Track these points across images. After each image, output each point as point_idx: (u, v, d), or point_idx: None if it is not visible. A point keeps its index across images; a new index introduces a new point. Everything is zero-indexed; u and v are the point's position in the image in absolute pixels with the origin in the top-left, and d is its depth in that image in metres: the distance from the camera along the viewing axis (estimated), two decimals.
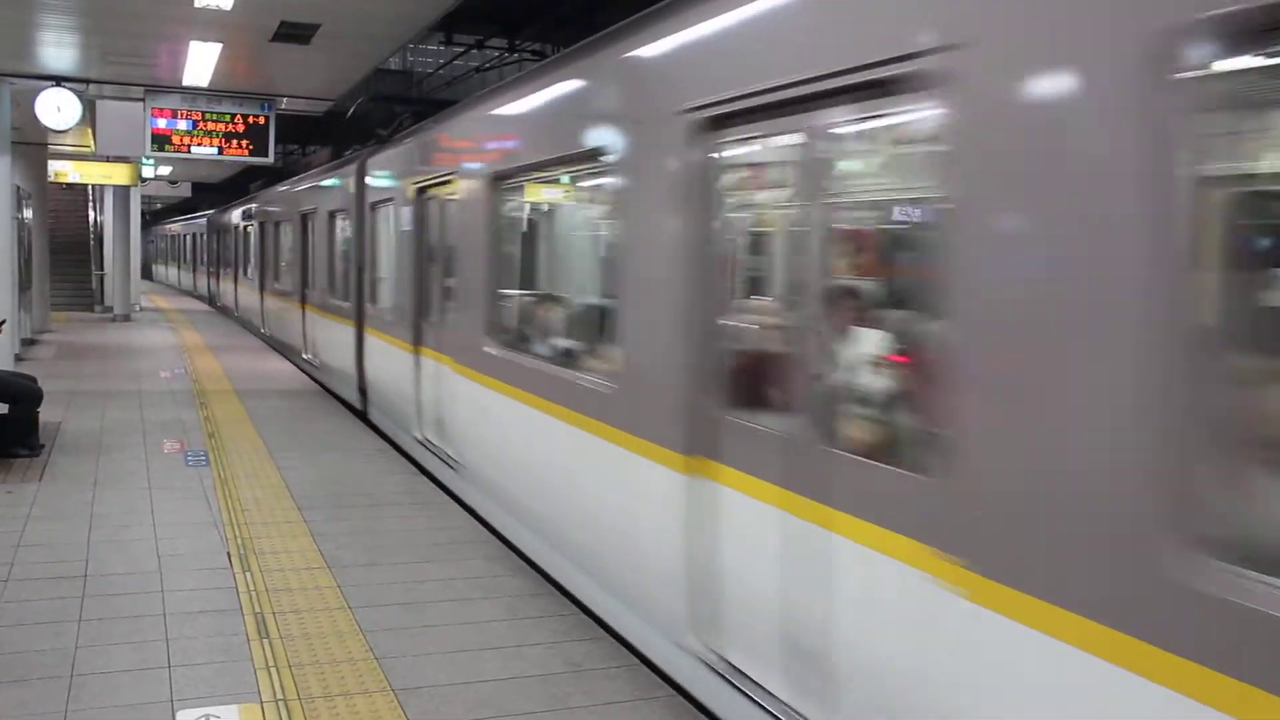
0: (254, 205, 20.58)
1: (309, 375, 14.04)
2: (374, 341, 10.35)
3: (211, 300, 29.22)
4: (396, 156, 9.74)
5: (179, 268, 40.82)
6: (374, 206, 10.59)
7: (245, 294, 21.78)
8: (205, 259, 31.40)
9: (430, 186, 8.34)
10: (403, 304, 9.10)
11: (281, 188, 17.73)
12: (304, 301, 14.48)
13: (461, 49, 13.90)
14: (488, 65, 14.12)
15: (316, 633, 4.94)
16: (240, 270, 22.81)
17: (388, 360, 9.69)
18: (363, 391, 11.00)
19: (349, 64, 11.44)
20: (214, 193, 31.83)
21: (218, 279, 28.03)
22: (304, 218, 14.51)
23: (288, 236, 16.27)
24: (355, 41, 10.24)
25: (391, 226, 9.81)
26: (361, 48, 10.58)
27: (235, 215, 23.59)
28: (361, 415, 11.07)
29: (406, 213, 8.99)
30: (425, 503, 7.50)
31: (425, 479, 8.24)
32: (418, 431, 8.63)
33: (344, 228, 12.32)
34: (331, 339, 12.56)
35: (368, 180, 10.86)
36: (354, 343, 11.18)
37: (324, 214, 13.16)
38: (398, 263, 9.44)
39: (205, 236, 30.94)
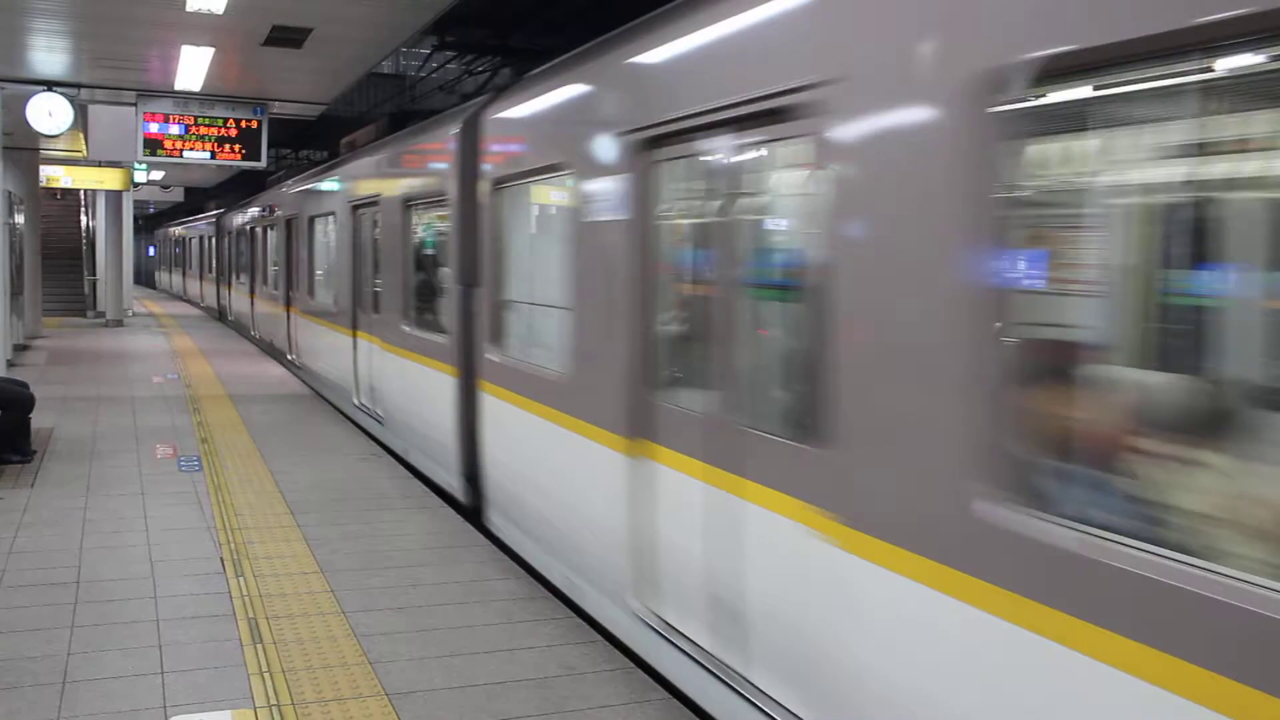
0: (278, 201, 16.91)
1: (365, 431, 10.46)
2: (502, 407, 6.62)
3: (222, 315, 25.55)
4: (572, 95, 5.77)
5: (184, 275, 38.14)
6: (499, 186, 6.86)
7: (266, 309, 17.99)
8: (215, 266, 27.34)
9: (689, 131, 4.37)
10: (595, 356, 5.21)
11: (320, 174, 13.71)
12: (356, 327, 10.87)
13: (454, 52, 13.87)
14: (481, 69, 14.12)
15: (310, 637, 4.93)
16: (260, 280, 19.10)
17: (544, 447, 5.93)
18: (472, 480, 7.37)
19: (341, 68, 11.45)
20: (214, 196, 31.77)
21: (229, 289, 23.93)
22: (355, 211, 10.98)
23: (329, 238, 12.79)
24: (347, 46, 10.25)
25: (539, 221, 6.74)
26: (353, 52, 10.60)
27: (253, 213, 19.79)
28: (472, 515, 7.31)
29: (603, 191, 5.10)
30: (419, 507, 7.48)
31: (419, 481, 8.23)
32: (636, 599, 4.84)
33: (430, 225, 9.03)
34: (407, 387, 8.95)
35: (487, 147, 7.09)
36: (453, 399, 7.52)
37: (393, 206, 9.40)
38: (577, 284, 5.45)
39: (215, 240, 26.85)
